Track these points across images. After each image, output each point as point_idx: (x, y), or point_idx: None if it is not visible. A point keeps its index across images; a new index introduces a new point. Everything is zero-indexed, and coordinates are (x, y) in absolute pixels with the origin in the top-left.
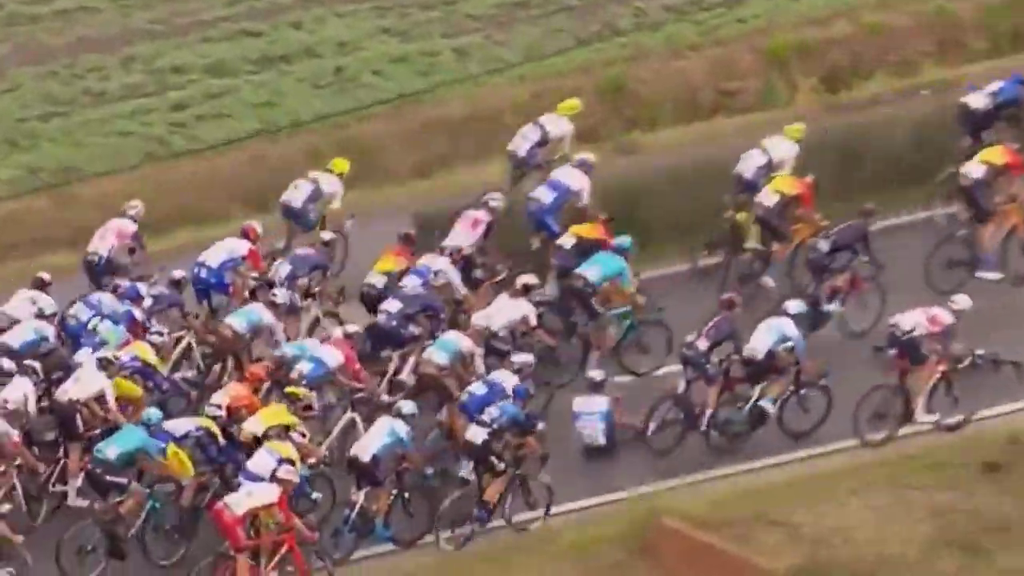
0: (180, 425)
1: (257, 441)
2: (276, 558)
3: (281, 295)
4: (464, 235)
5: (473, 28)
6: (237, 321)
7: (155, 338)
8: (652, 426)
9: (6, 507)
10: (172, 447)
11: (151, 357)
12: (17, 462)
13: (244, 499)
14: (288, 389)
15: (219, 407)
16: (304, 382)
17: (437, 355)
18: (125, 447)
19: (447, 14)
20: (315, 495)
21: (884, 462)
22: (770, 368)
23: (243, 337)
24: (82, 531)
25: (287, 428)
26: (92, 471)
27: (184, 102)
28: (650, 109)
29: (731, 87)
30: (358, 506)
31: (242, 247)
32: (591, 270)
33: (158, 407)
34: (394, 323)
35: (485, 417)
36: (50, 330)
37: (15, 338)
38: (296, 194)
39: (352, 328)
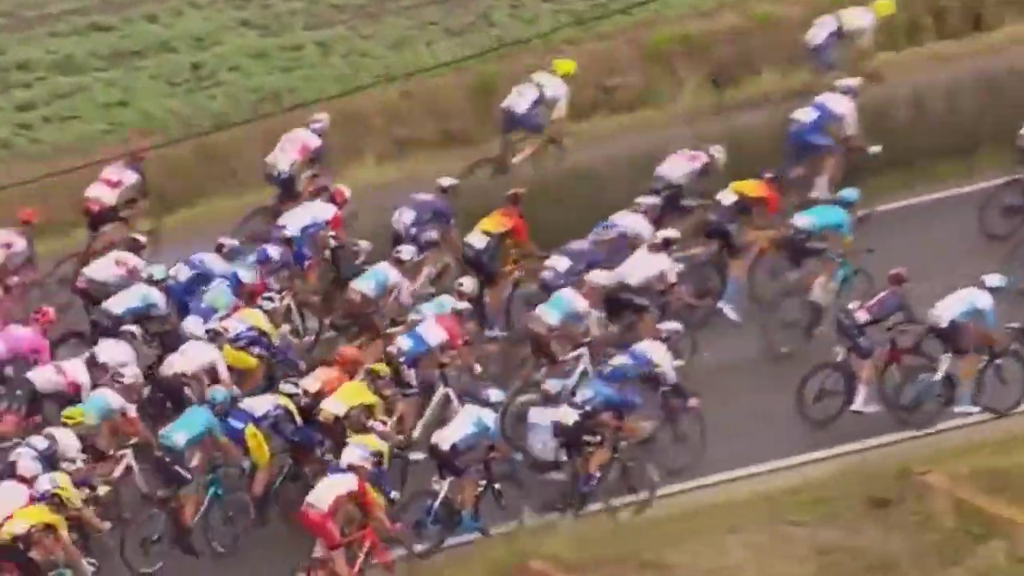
0: (258, 404)
1: (337, 421)
2: (363, 554)
3: (406, 251)
4: (677, 166)
5: (338, 20)
6: (365, 284)
7: (266, 304)
8: (809, 396)
9: (104, 490)
10: (251, 428)
11: (265, 325)
12: (133, 440)
13: (325, 493)
14: (371, 366)
15: (306, 392)
16: (402, 359)
17: (548, 314)
18: (193, 431)
19: (310, 4)
20: (394, 493)
21: (764, 497)
22: (950, 338)
23: (373, 300)
24: (147, 521)
25: (369, 408)
26: (161, 458)
27: (30, 102)
28: None
29: (612, 83)
30: (441, 496)
31: (327, 211)
32: (804, 219)
33: (267, 379)
34: (561, 282)
35: (577, 398)
36: (158, 296)
37: (118, 304)
38: (519, 100)
39: (461, 305)
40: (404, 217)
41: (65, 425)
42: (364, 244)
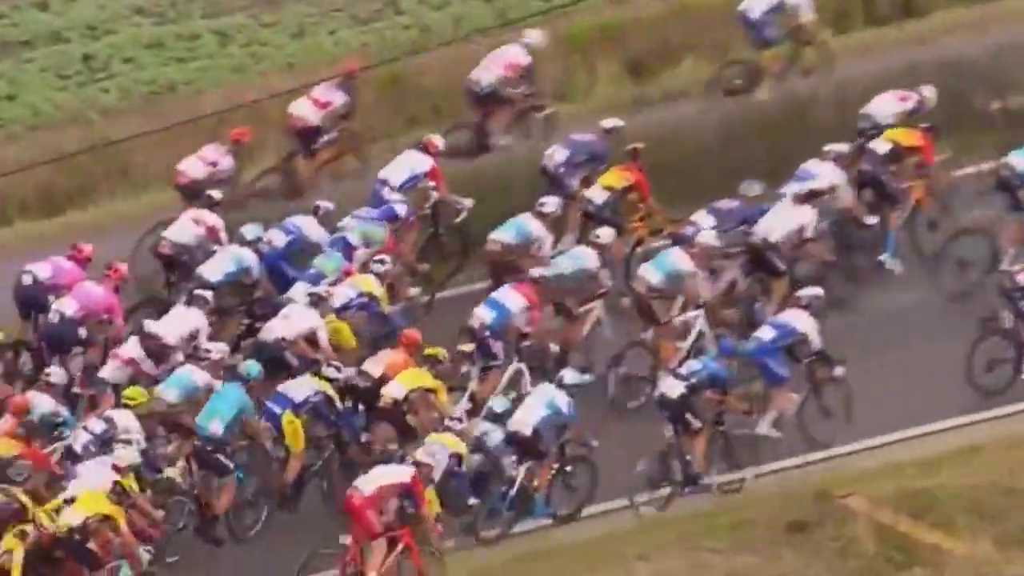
0: (298, 389)
1: (397, 405)
2: (392, 554)
3: (550, 203)
4: (886, 105)
5: (237, 7)
6: (504, 233)
7: (377, 267)
8: (979, 364)
9: (171, 471)
10: (288, 415)
11: (376, 290)
12: None
13: (373, 479)
14: (428, 351)
15: (368, 376)
16: (487, 332)
17: (651, 273)
18: (226, 417)
19: None
20: (471, 500)
21: (676, 521)
22: None
23: (514, 248)
24: (174, 508)
25: (431, 392)
26: (201, 448)
27: None
28: (434, 101)
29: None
30: (518, 483)
31: (424, 163)
32: (1019, 159)
33: (372, 348)
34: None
35: (683, 370)
36: (252, 258)
37: (213, 270)
38: (754, 4)
39: (539, 272)
40: (557, 156)
41: (126, 407)
42: (467, 202)
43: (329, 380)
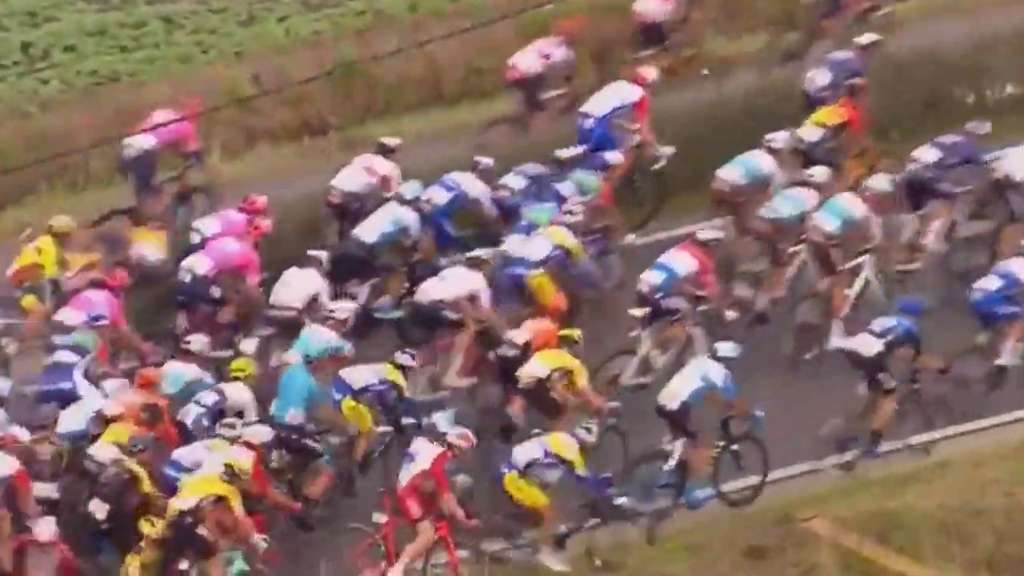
0: (360, 376)
1: (540, 384)
2: (420, 546)
3: (779, 139)
4: None
5: None
6: (732, 171)
7: (569, 218)
8: None
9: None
10: (348, 402)
11: (570, 242)
12: None
13: (408, 468)
14: (562, 332)
15: (514, 344)
16: (659, 295)
17: (826, 220)
18: (298, 404)
19: None
20: (620, 500)
21: (632, 545)
22: None
23: (743, 189)
24: None
25: (569, 373)
26: (286, 437)
27: None
28: (386, 92)
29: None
30: (674, 458)
31: (634, 93)
32: None
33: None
34: (929, 175)
35: (876, 327)
36: (411, 217)
37: (370, 231)
38: None
39: (708, 234)
40: (819, 79)
41: (236, 379)
42: (667, 150)
43: (401, 368)
